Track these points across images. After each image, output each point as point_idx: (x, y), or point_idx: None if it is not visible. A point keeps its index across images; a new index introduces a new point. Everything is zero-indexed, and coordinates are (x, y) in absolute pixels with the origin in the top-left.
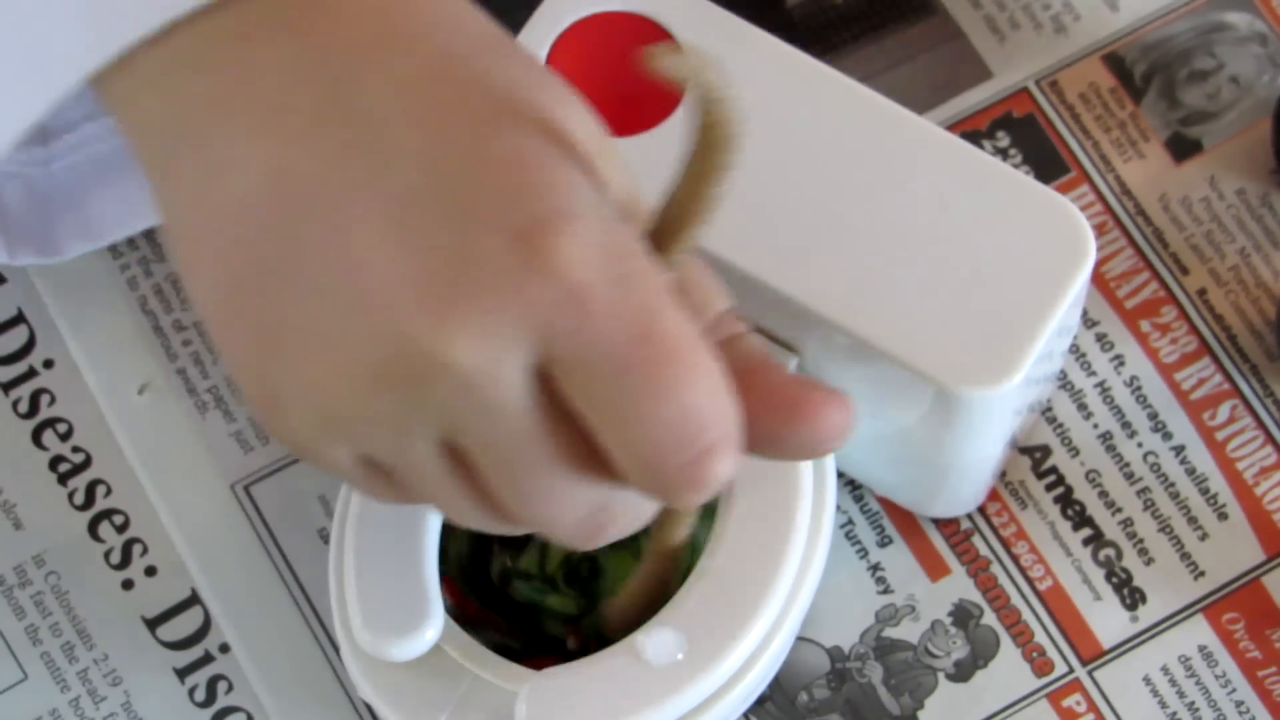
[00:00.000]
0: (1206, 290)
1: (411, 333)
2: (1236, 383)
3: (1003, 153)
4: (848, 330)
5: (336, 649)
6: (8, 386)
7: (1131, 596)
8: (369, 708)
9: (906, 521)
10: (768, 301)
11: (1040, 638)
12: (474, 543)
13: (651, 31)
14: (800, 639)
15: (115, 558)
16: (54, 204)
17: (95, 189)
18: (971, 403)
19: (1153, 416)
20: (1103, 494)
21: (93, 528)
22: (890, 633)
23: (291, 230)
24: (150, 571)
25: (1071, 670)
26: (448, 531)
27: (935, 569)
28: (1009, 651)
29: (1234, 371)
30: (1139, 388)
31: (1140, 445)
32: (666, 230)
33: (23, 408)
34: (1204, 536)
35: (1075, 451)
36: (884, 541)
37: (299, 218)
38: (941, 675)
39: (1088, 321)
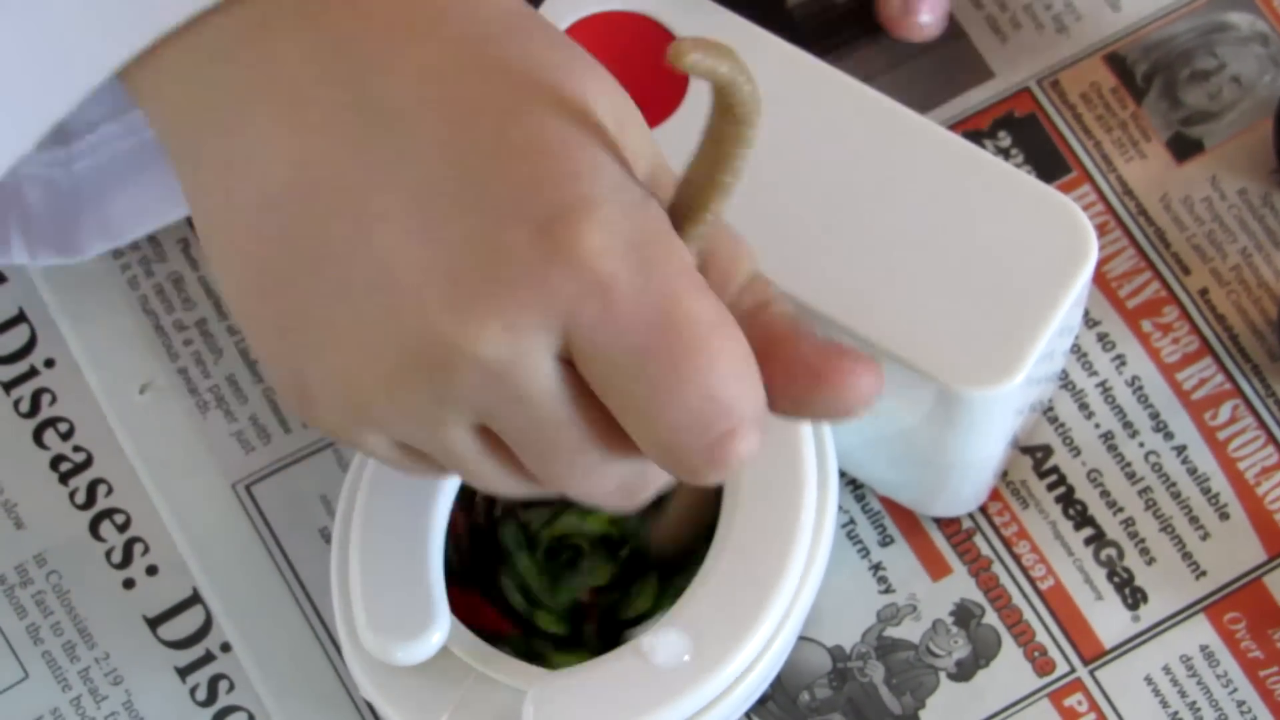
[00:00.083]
0: (1208, 290)
1: (437, 327)
2: (1238, 382)
3: (1004, 152)
4: (849, 329)
5: (338, 648)
6: (9, 386)
7: (1133, 596)
8: (370, 706)
9: (908, 521)
10: None
11: (1042, 637)
12: (472, 539)
13: (652, 31)
14: (802, 638)
15: (116, 557)
16: (75, 204)
17: (115, 188)
18: (973, 402)
19: (1154, 416)
20: (1104, 494)
21: (94, 527)
22: (892, 632)
23: (316, 225)
24: (151, 571)
25: (1073, 670)
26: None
27: (937, 568)
28: (1010, 651)
29: (1235, 371)
30: (1140, 387)
31: (1142, 445)
32: (692, 202)
33: (24, 407)
34: (1205, 536)
35: (1077, 451)
36: (886, 541)
37: (323, 211)
38: (943, 675)
39: (1089, 321)
